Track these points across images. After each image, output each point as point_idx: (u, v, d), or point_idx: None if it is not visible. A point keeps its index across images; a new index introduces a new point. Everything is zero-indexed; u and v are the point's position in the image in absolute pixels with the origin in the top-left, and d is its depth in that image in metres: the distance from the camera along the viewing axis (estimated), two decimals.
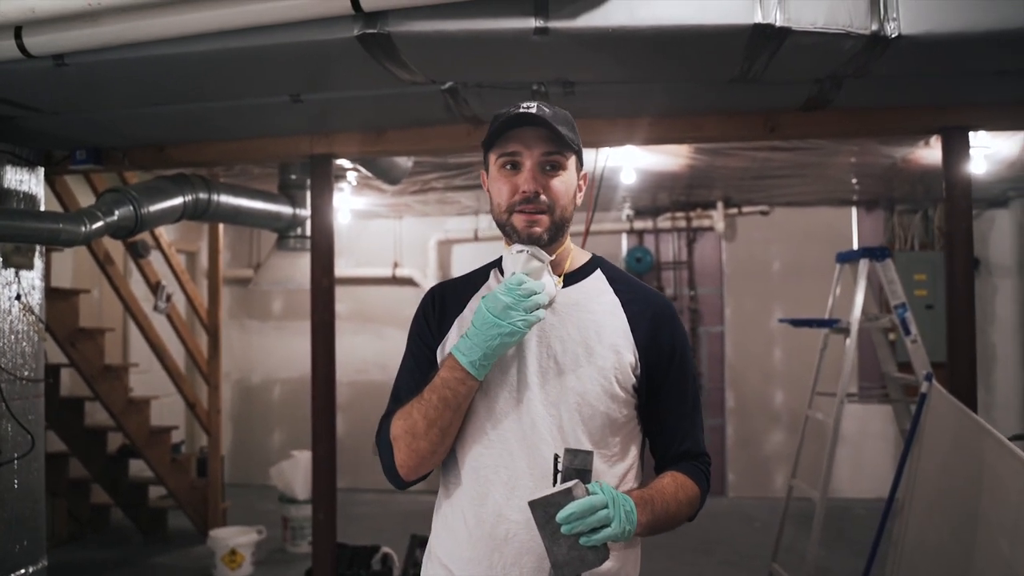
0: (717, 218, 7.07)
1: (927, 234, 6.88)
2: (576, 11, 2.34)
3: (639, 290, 1.64)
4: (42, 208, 3.84)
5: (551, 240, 1.55)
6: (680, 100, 3.22)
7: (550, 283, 1.53)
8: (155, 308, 5.58)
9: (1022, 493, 2.37)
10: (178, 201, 4.11)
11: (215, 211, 4.38)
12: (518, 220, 1.52)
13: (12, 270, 3.58)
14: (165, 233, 5.63)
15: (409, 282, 7.66)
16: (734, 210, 7.15)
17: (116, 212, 3.72)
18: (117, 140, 3.80)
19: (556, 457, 1.38)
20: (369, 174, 4.81)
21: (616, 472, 1.54)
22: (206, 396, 6.01)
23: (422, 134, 3.58)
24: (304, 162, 4.54)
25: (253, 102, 3.13)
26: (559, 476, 1.36)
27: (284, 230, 5.06)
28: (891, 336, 4.83)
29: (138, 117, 3.34)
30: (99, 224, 3.62)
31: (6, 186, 3.61)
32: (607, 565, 1.39)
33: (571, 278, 1.61)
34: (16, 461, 3.49)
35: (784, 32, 2.37)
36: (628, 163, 5.22)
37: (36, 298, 3.71)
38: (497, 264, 1.67)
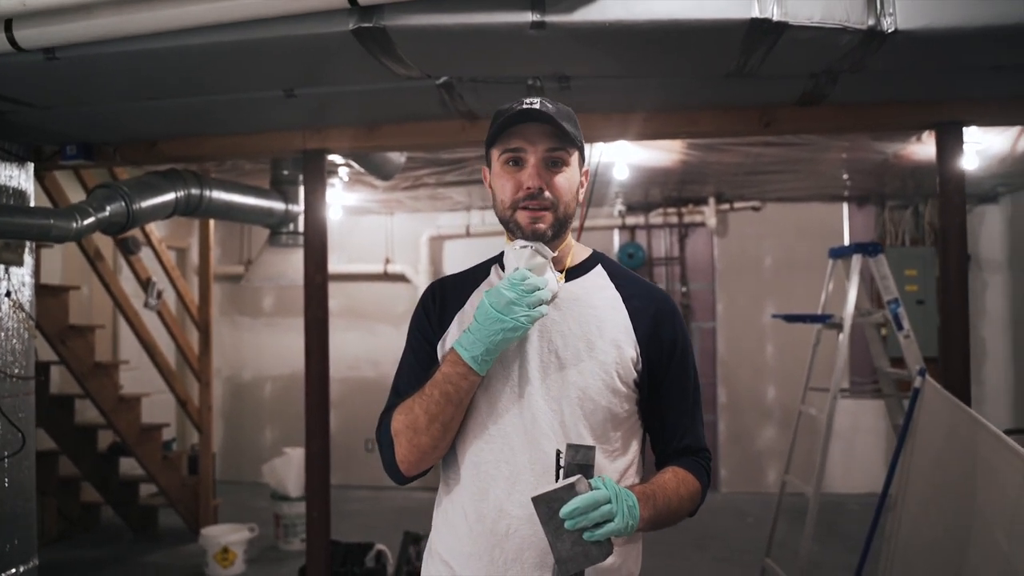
0: (709, 214, 7.08)
1: (918, 230, 6.91)
2: (572, 5, 2.34)
3: (640, 285, 1.64)
4: (32, 204, 3.80)
5: (555, 236, 1.55)
6: (676, 95, 3.22)
7: (552, 279, 1.53)
8: (146, 305, 5.55)
9: (1019, 488, 2.38)
10: (170, 197, 4.08)
11: (207, 207, 4.36)
12: (522, 216, 1.52)
13: (2, 267, 3.55)
14: (155, 229, 5.60)
15: (401, 278, 7.64)
16: (726, 206, 7.15)
17: (107, 208, 3.69)
18: (108, 135, 3.77)
19: (558, 453, 1.38)
20: (362, 170, 4.80)
21: (618, 467, 1.54)
22: (197, 393, 5.98)
23: (416, 129, 3.56)
24: (297, 157, 4.52)
25: (247, 96, 3.11)
26: (561, 471, 1.35)
27: (276, 226, 5.03)
28: (883, 331, 4.85)
29: (130, 112, 3.31)
30: (90, 220, 3.59)
31: None
32: (609, 561, 1.38)
33: (572, 273, 1.61)
34: (7, 459, 3.46)
35: (781, 27, 2.37)
36: (621, 158, 5.21)
37: (26, 295, 3.67)
38: (498, 260, 1.67)
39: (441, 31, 2.39)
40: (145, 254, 5.59)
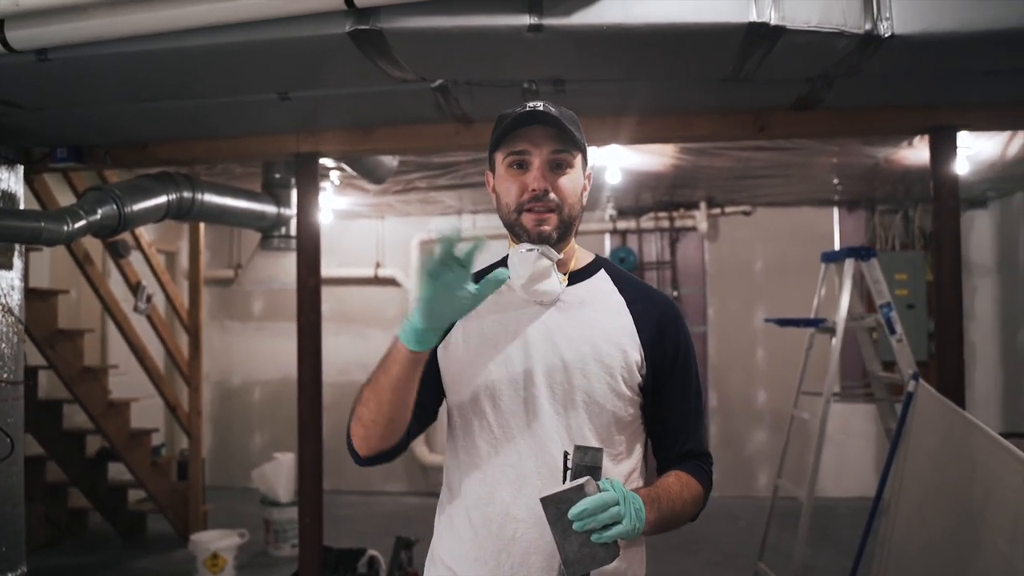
0: (700, 218, 7.09)
1: (907, 234, 6.95)
2: (570, 8, 2.34)
3: (643, 290, 1.64)
4: (21, 207, 3.77)
5: (560, 239, 1.55)
6: (671, 99, 3.22)
7: (557, 281, 1.53)
8: (135, 309, 5.50)
9: (1019, 491, 2.38)
10: (162, 200, 4.06)
11: (199, 210, 4.33)
12: (527, 219, 1.52)
13: None
14: (145, 233, 5.56)
15: (391, 282, 7.62)
16: (717, 210, 7.17)
17: (99, 211, 3.66)
18: (99, 138, 3.74)
19: (566, 454, 1.37)
20: (354, 173, 4.78)
21: (622, 470, 1.54)
22: (186, 398, 5.94)
23: (410, 133, 3.55)
24: (289, 161, 4.50)
25: (240, 99, 3.10)
26: (569, 473, 1.35)
27: (268, 230, 5.01)
28: (874, 335, 4.86)
29: (122, 114, 3.28)
30: (82, 223, 3.56)
31: None
32: (615, 564, 1.37)
33: (576, 277, 1.60)
34: None
35: (778, 31, 2.37)
36: (614, 162, 5.21)
37: (15, 299, 3.64)
38: (502, 263, 1.66)
39: (438, 33, 2.38)
40: (134, 258, 5.55)
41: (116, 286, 5.68)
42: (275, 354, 7.60)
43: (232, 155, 3.98)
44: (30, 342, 4.69)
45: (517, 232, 1.54)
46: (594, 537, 1.30)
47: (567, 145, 1.52)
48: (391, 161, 4.74)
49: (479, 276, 1.67)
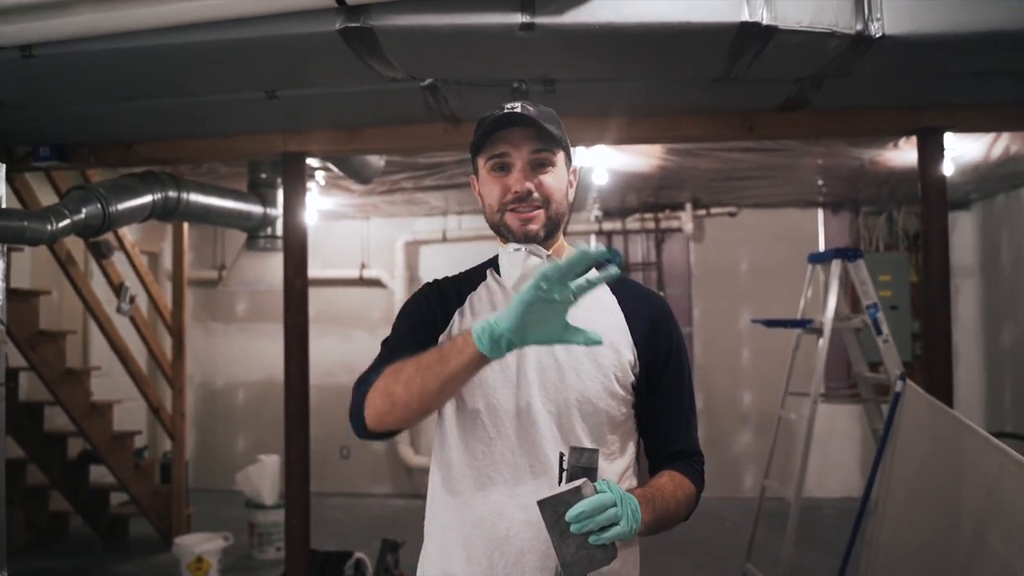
0: (685, 219, 7.11)
1: (891, 236, 6.99)
2: (562, 7, 2.33)
3: (635, 289, 1.64)
4: (3, 206, 3.71)
5: (547, 236, 1.54)
6: (660, 99, 3.22)
7: None
8: (118, 310, 5.44)
9: (1013, 491, 2.38)
10: (147, 199, 4.01)
11: (184, 210, 4.29)
12: (511, 219, 1.52)
13: None
14: (128, 233, 5.50)
15: (376, 283, 7.59)
16: (702, 211, 7.19)
17: (83, 210, 3.62)
18: (83, 136, 3.70)
19: (561, 455, 1.36)
20: (340, 173, 4.75)
21: (615, 470, 1.53)
22: (170, 400, 5.89)
23: (398, 132, 3.53)
24: (275, 160, 4.46)
25: (227, 98, 3.07)
26: (565, 474, 1.33)
27: (254, 230, 4.97)
28: (859, 336, 4.87)
29: (107, 112, 3.25)
30: (66, 222, 3.52)
31: None
32: (611, 565, 1.36)
33: None
34: None
35: (770, 31, 2.38)
36: (600, 163, 5.21)
37: None
38: (493, 263, 1.65)
39: (429, 32, 2.37)
40: (117, 259, 5.49)
41: (99, 287, 5.62)
42: (259, 355, 7.55)
43: (218, 154, 3.94)
44: (11, 343, 4.63)
45: (503, 233, 1.54)
46: (592, 539, 1.29)
47: (547, 143, 1.52)
48: (378, 161, 4.71)
49: (470, 276, 1.66)
